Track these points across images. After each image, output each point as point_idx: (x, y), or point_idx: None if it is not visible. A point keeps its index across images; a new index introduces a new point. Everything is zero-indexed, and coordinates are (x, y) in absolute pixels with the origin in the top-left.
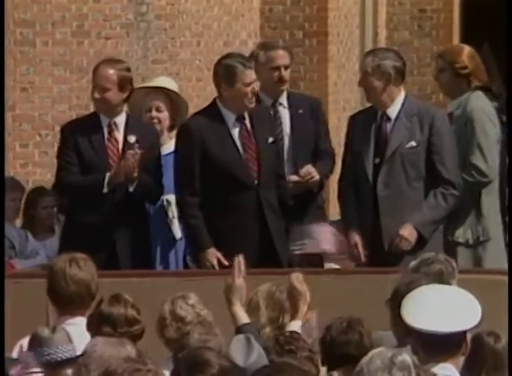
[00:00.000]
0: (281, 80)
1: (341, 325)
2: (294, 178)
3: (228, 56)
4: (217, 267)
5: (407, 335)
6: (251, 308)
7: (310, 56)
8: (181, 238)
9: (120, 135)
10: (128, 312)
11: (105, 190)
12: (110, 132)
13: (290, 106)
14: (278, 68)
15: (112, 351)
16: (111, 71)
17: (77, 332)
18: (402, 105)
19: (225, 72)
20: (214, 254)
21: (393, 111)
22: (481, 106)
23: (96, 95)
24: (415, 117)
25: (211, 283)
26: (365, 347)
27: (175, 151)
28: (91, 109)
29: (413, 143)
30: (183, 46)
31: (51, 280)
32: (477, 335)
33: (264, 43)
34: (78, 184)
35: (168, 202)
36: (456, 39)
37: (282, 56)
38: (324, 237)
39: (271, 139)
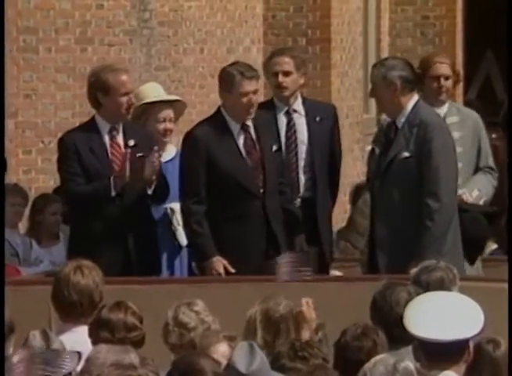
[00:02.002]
0: (278, 86)
1: (356, 331)
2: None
3: (232, 64)
4: (223, 275)
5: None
6: (249, 327)
7: (313, 62)
8: (186, 245)
9: (121, 140)
10: (128, 319)
11: (113, 193)
12: (113, 138)
13: (307, 114)
14: (276, 74)
15: (115, 358)
16: (126, 76)
17: (78, 340)
18: (409, 114)
19: (224, 80)
20: (219, 263)
21: (400, 121)
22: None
23: (129, 101)
24: (415, 128)
25: (217, 290)
26: (377, 355)
27: (181, 159)
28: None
29: (406, 154)
30: (186, 53)
31: (55, 286)
32: (477, 343)
33: (275, 50)
34: (86, 193)
35: (172, 210)
36: (459, 46)
37: (280, 63)
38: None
39: (275, 147)
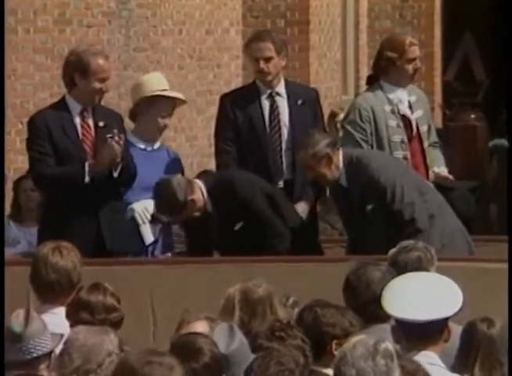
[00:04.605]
0: (260, 71)
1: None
2: None
3: None
4: None
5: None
6: (227, 305)
7: (292, 44)
8: (153, 242)
9: (91, 121)
10: (107, 300)
11: (86, 180)
12: (83, 119)
13: (289, 97)
14: (257, 60)
15: (95, 339)
16: (106, 62)
17: (56, 321)
18: (345, 169)
19: None
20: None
21: (343, 180)
22: None
23: (103, 88)
24: (355, 174)
25: (194, 270)
26: (317, 330)
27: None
28: None
29: (369, 207)
30: (165, 34)
31: (33, 267)
32: (471, 322)
33: (255, 33)
34: (57, 176)
35: (132, 210)
36: (437, 28)
37: (261, 49)
38: None
39: None
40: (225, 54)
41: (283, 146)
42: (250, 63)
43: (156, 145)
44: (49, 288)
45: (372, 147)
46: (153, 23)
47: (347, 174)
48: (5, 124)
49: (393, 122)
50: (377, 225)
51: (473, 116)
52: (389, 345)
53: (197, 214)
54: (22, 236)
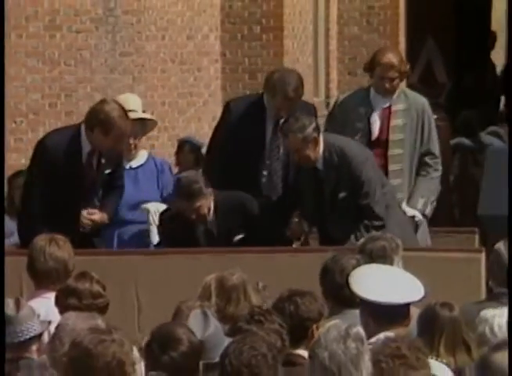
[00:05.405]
0: (277, 114)
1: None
2: None
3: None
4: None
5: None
6: (204, 292)
7: (267, 49)
8: (157, 244)
9: (95, 161)
10: (93, 287)
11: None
12: (90, 159)
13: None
14: (277, 107)
15: (83, 324)
16: (129, 126)
17: (48, 305)
18: (324, 152)
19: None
20: None
21: (320, 163)
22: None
23: (118, 147)
24: (335, 162)
25: (176, 260)
26: (300, 317)
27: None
28: (63, 98)
29: (343, 194)
30: (149, 40)
31: (31, 256)
32: (430, 307)
33: (282, 78)
34: (29, 221)
35: (147, 210)
36: (401, 34)
37: (286, 103)
38: None
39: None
40: (204, 58)
41: (279, 164)
42: (267, 96)
43: (142, 160)
44: (46, 275)
45: None
46: (138, 29)
47: (324, 159)
48: (5, 125)
49: (360, 124)
50: (343, 211)
51: (436, 116)
52: (360, 329)
53: (205, 212)
54: (15, 229)
